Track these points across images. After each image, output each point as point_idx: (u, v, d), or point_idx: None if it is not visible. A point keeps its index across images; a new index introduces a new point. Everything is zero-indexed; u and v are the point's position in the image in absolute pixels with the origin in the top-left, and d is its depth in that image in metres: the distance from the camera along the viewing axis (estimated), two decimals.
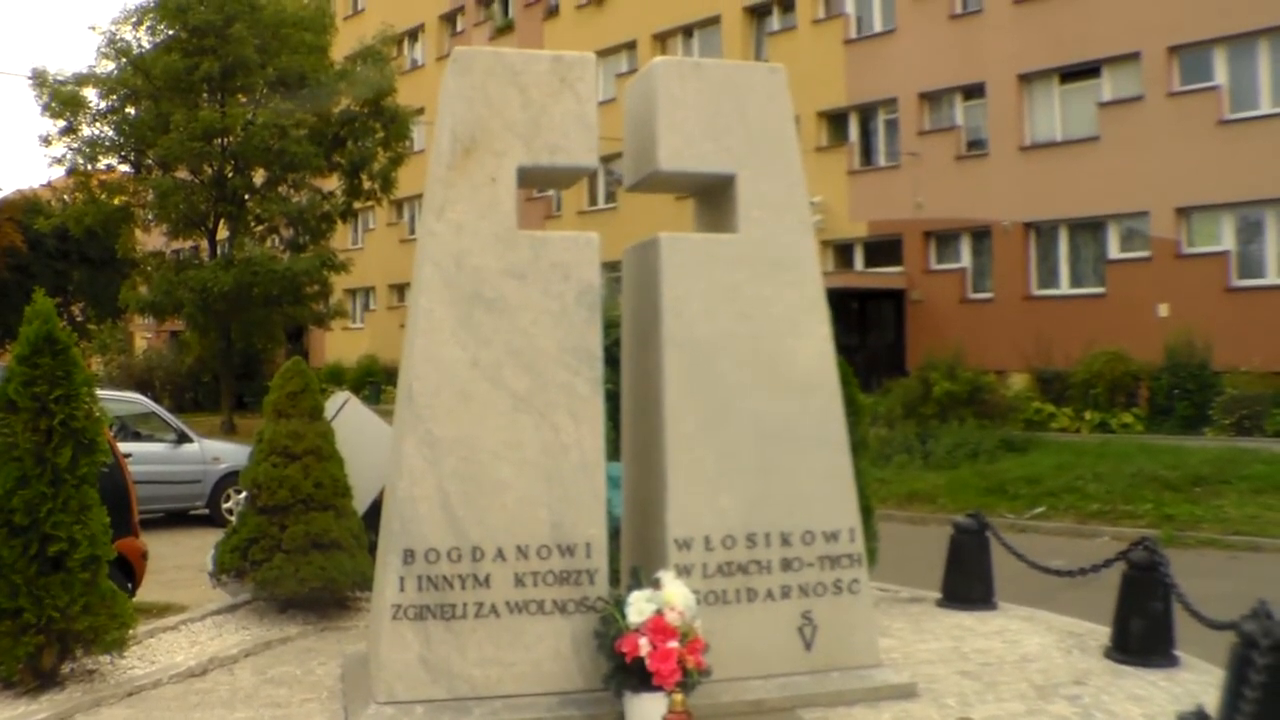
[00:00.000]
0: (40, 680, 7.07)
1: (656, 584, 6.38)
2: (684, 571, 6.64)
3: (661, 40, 39.12)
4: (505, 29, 45.23)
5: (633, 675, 6.16)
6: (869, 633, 7.13)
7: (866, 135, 33.75)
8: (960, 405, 24.26)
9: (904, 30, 31.81)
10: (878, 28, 32.87)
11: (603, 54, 40.06)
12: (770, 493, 6.93)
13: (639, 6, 39.64)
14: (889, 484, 19.11)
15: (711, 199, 7.46)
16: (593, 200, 41.32)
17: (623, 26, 40.06)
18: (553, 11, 43.66)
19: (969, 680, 7.23)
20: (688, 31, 38.72)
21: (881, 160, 33.08)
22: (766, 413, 6.95)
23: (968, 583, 9.40)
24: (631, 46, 39.81)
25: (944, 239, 31.28)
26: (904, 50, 31.63)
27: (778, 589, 6.90)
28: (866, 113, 33.45)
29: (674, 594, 6.30)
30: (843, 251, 33.97)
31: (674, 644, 6.10)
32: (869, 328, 33.29)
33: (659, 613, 6.18)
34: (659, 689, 6.05)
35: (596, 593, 6.61)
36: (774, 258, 7.07)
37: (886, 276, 32.11)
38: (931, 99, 31.52)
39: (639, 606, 6.24)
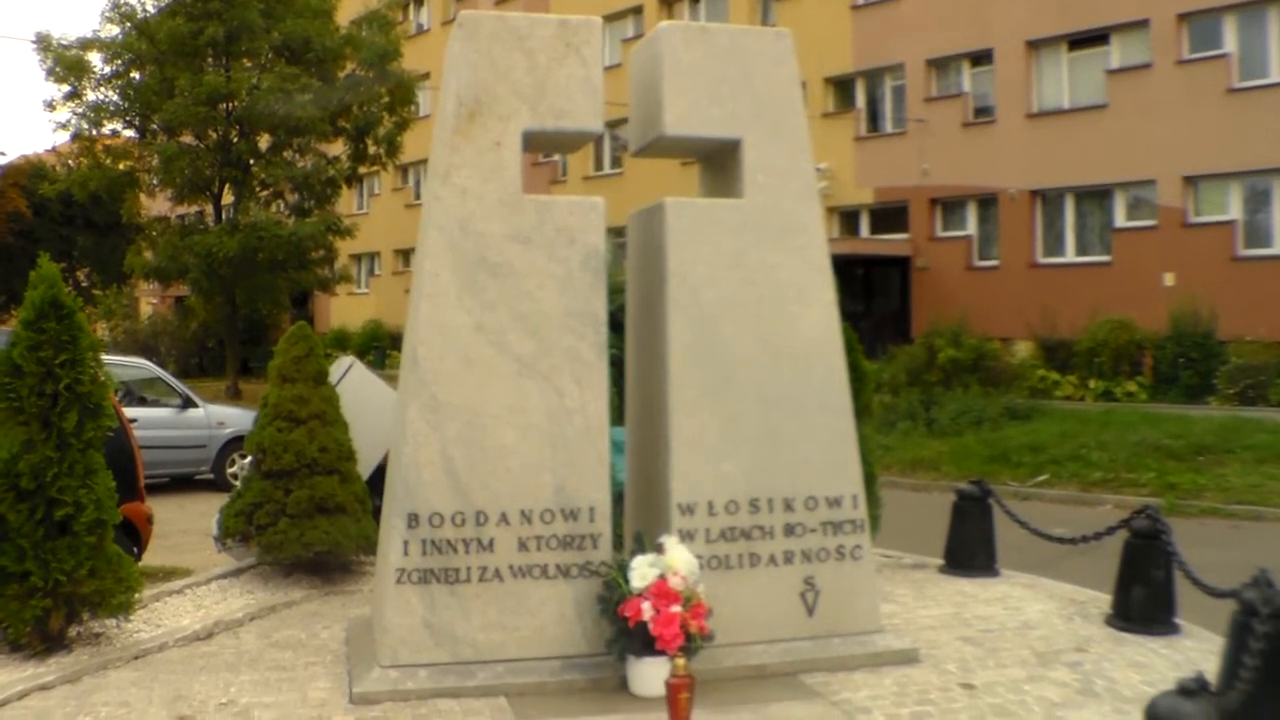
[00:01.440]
0: (48, 643, 7.10)
1: (660, 549, 6.41)
2: (687, 536, 6.67)
3: (668, 5, 38.90)
4: None
5: (635, 639, 6.20)
6: (871, 598, 7.16)
7: (873, 101, 33.61)
8: (965, 372, 24.26)
9: None
10: None
11: (609, 18, 39.84)
12: (773, 458, 6.94)
13: None
14: (893, 451, 19.13)
15: (717, 164, 7.44)
16: (599, 165, 41.22)
17: None
18: None
19: (970, 646, 7.26)
20: None
21: (888, 127, 32.96)
22: (770, 378, 6.96)
23: (970, 549, 9.42)
24: (638, 11, 39.60)
25: (950, 206, 31.20)
26: (911, 16, 31.44)
27: (780, 554, 6.92)
28: (873, 79, 33.30)
29: (677, 559, 6.33)
30: (849, 218, 33.89)
31: (677, 608, 6.13)
32: (874, 294, 33.27)
33: (662, 577, 6.22)
34: (662, 653, 6.08)
35: (600, 557, 6.64)
36: (779, 224, 7.06)
37: (892, 243, 32.04)
38: (939, 65, 31.37)
39: (642, 571, 6.27)
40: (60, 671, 6.74)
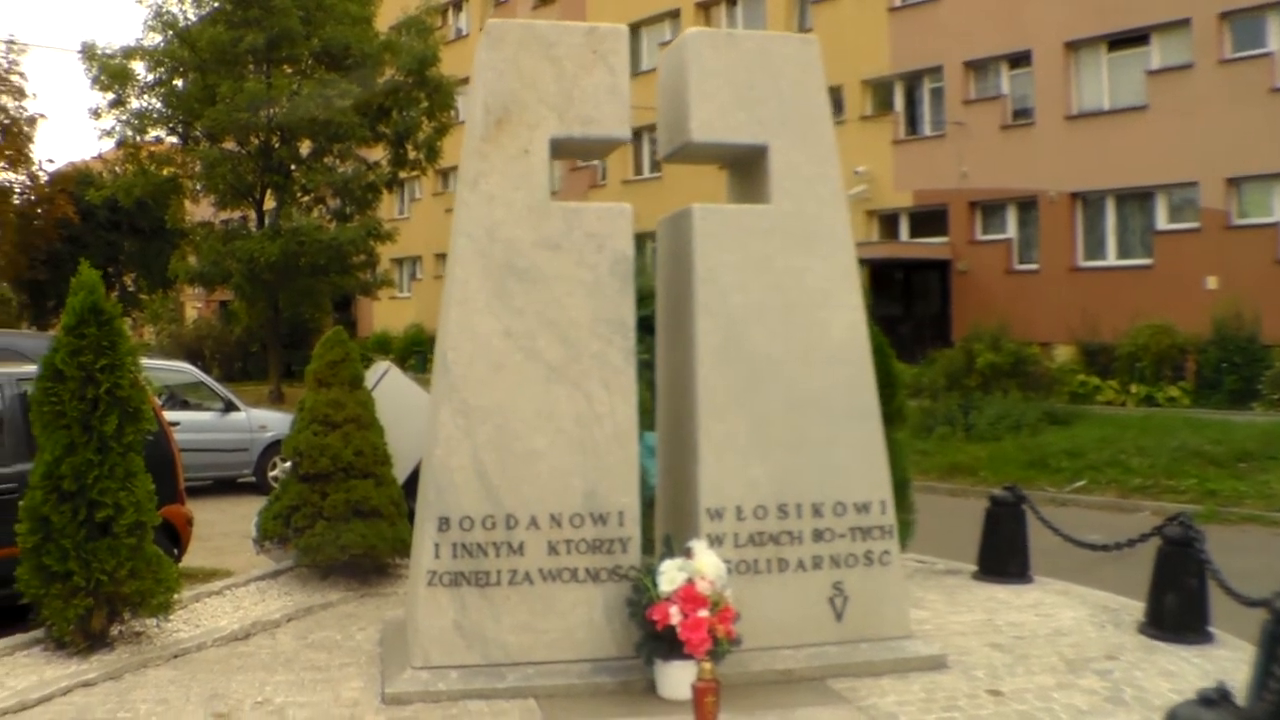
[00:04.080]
0: (90, 641, 7.26)
1: (688, 553, 6.45)
2: (716, 541, 6.70)
3: (705, 9, 38.87)
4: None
5: (663, 643, 6.25)
6: (899, 604, 7.17)
7: (912, 104, 33.47)
8: (1003, 377, 24.14)
9: None
10: None
11: (646, 23, 39.96)
12: (802, 463, 6.96)
13: None
14: (930, 456, 19.08)
15: (744, 170, 7.48)
16: (638, 170, 41.24)
17: None
18: None
19: (1000, 653, 7.26)
20: (731, 0, 38.47)
21: (927, 129, 32.81)
22: (798, 384, 6.98)
23: (1003, 556, 9.40)
24: (675, 15, 39.56)
25: (990, 209, 31.03)
26: (949, 18, 31.30)
27: (809, 559, 6.95)
28: (912, 81, 33.16)
29: (705, 563, 6.37)
30: (888, 221, 33.78)
31: (704, 613, 6.17)
32: (914, 298, 33.12)
33: (690, 582, 6.26)
34: (689, 657, 6.12)
35: (629, 561, 6.69)
36: (806, 229, 7.09)
37: (932, 247, 31.90)
38: (977, 67, 31.19)
39: (670, 575, 6.32)
40: (102, 669, 6.89)
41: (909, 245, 32.77)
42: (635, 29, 40.06)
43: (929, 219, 32.37)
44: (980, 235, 31.16)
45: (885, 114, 33.55)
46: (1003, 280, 30.11)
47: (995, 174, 30.07)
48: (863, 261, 30.73)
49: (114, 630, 7.47)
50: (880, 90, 33.89)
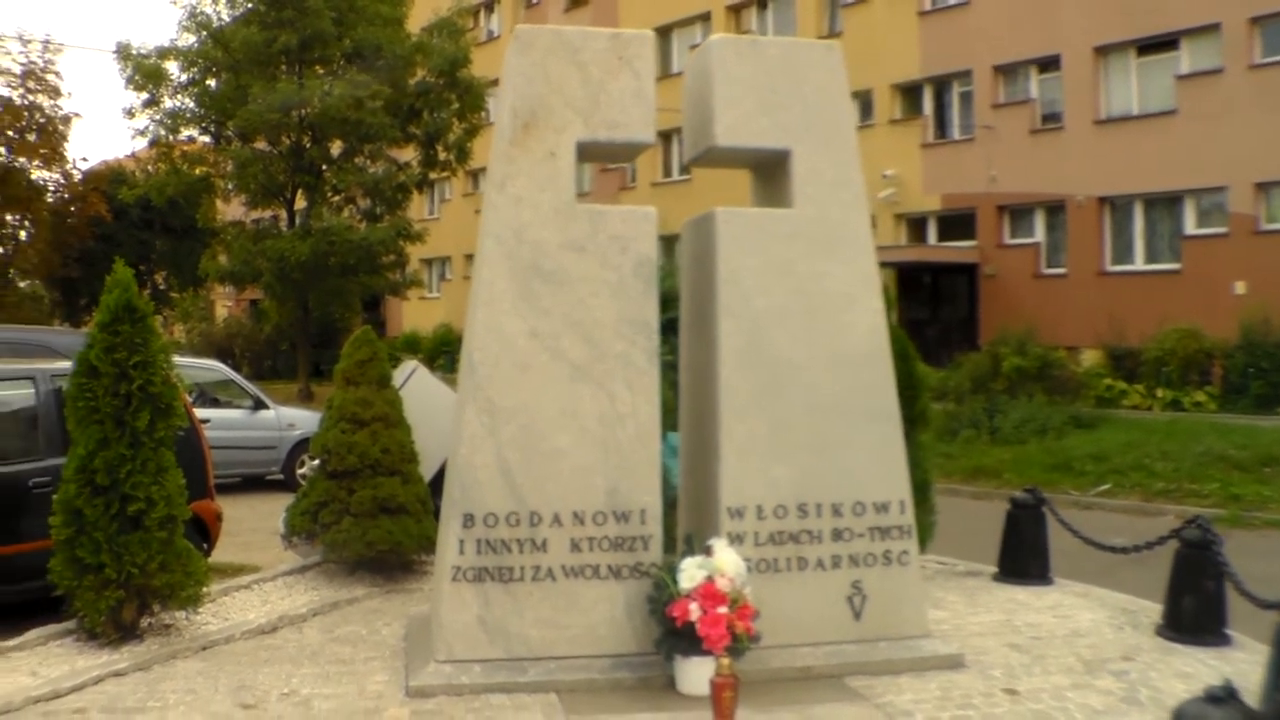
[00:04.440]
0: (121, 633, 7.42)
1: (708, 551, 6.55)
2: (736, 539, 6.81)
3: (735, 11, 38.90)
4: (579, 1, 45.22)
5: (683, 639, 6.35)
6: (918, 604, 7.25)
7: (941, 108, 33.44)
8: (1029, 381, 24.11)
9: (979, 2, 31.42)
10: (952, 0, 32.54)
11: (677, 25, 40.04)
12: (822, 464, 7.06)
13: None
14: (955, 459, 19.08)
15: (768, 174, 7.57)
16: (666, 172, 41.31)
17: None
18: None
19: (1017, 653, 7.32)
20: (761, 3, 38.46)
21: (956, 133, 32.77)
22: (819, 386, 7.07)
23: (1023, 558, 9.46)
24: (705, 18, 39.62)
25: (1018, 213, 30.97)
26: (979, 22, 31.28)
27: (828, 558, 7.04)
28: (941, 85, 33.13)
29: (725, 561, 6.47)
30: (916, 225, 33.76)
31: (723, 609, 6.26)
32: (941, 301, 33.10)
33: (709, 579, 6.36)
34: (708, 653, 6.22)
35: (650, 559, 6.80)
36: (828, 233, 7.19)
37: (960, 250, 31.87)
38: (1006, 71, 31.15)
39: (690, 573, 6.42)
40: (133, 660, 7.05)
41: (937, 249, 32.75)
42: (666, 32, 40.18)
43: (957, 223, 32.34)
44: (1008, 239, 31.12)
45: (914, 117, 33.54)
46: (1030, 284, 30.06)
47: (1023, 178, 30.02)
48: (891, 265, 30.84)
49: (144, 622, 7.63)
50: (909, 94, 33.87)
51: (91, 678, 6.73)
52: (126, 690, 6.60)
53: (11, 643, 7.42)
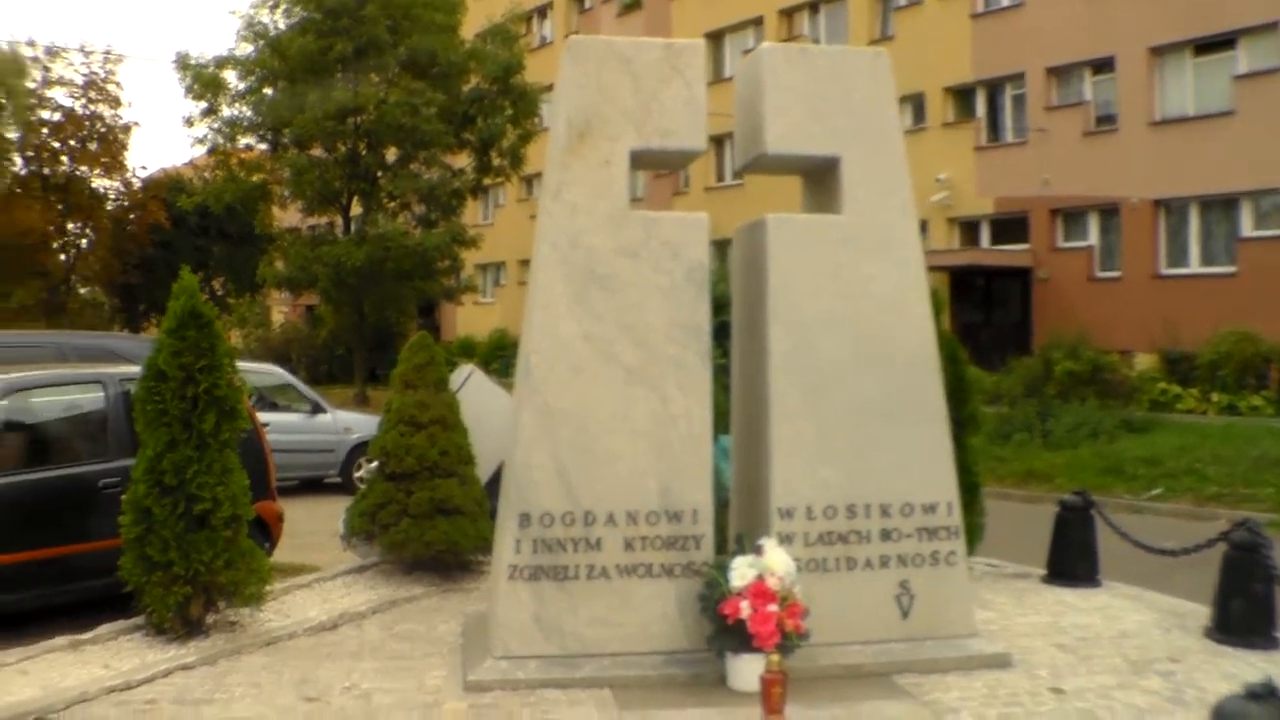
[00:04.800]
0: (188, 628, 7.66)
1: (759, 550, 6.68)
2: (786, 539, 6.93)
3: (787, 16, 38.92)
4: (632, 6, 45.31)
5: (734, 636, 6.48)
6: (965, 603, 7.34)
7: (994, 111, 33.31)
8: (1082, 385, 24.02)
9: (1032, 4, 31.29)
10: (1005, 2, 32.42)
11: (729, 30, 40.10)
12: (870, 465, 7.17)
13: None
14: (1007, 462, 19.08)
15: (817, 180, 7.70)
16: (719, 177, 41.39)
17: (748, 3, 39.83)
18: None
19: (1064, 653, 7.40)
20: (813, 7, 38.46)
21: (1009, 136, 32.63)
22: (867, 389, 7.19)
23: (1072, 560, 9.51)
24: (758, 23, 39.66)
25: (1071, 216, 30.81)
26: (1032, 24, 31.14)
27: (876, 558, 7.15)
28: (994, 88, 33.01)
29: (775, 560, 6.60)
30: (969, 228, 33.65)
31: (773, 607, 6.40)
32: (994, 305, 32.99)
33: (760, 578, 6.49)
34: (758, 650, 6.35)
35: (702, 558, 6.94)
36: (877, 239, 7.30)
37: (1013, 254, 31.74)
38: (1060, 74, 31.00)
39: (741, 571, 6.56)
40: (199, 654, 7.29)
41: (990, 252, 32.62)
42: (718, 36, 40.29)
43: (1010, 226, 32.21)
44: (1062, 242, 30.96)
45: (967, 121, 33.44)
46: (1084, 288, 29.89)
47: (1077, 181, 29.85)
48: (943, 268, 30.80)
49: (210, 618, 7.86)
50: (962, 97, 33.78)
51: (161, 670, 6.98)
52: (194, 683, 6.84)
53: (85, 636, 7.67)
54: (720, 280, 7.85)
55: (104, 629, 7.83)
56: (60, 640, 7.57)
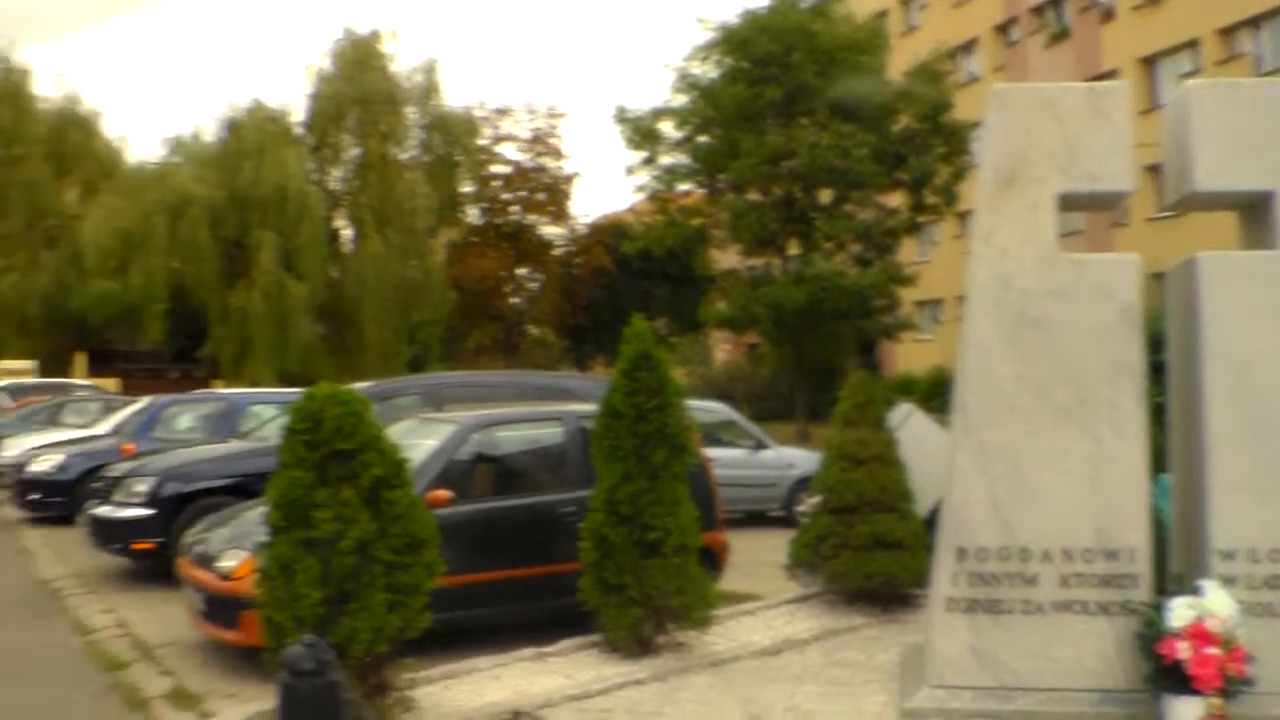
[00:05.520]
0: (640, 647, 8.38)
1: (1197, 591, 6.60)
2: (1228, 582, 6.77)
3: (1226, 35, 36.53)
4: (1060, 36, 44.04)
5: (1172, 677, 6.42)
6: None
7: None
8: None
9: None
10: None
11: (1162, 54, 38.21)
12: None
13: (1199, 1, 37.18)
14: None
15: (1252, 215, 7.51)
16: (1160, 207, 39.45)
17: (1183, 24, 37.80)
18: (1108, 14, 41.90)
19: None
20: (1255, 23, 36.07)
21: None
22: None
23: None
24: (1192, 45, 37.57)
25: None
26: None
27: None
28: None
29: (1216, 602, 6.49)
30: None
31: (1214, 650, 6.31)
32: None
33: (1199, 619, 6.41)
34: (1198, 692, 6.29)
35: (1139, 596, 6.91)
36: None
37: None
38: None
39: (1179, 612, 6.49)
40: (651, 671, 7.97)
41: None
42: (1151, 61, 38.58)
43: None
44: None
45: None
46: None
47: None
48: None
49: (660, 638, 8.53)
50: None
51: (615, 684, 7.69)
52: (646, 697, 7.49)
53: (549, 649, 8.55)
54: (1156, 318, 7.78)
55: (565, 643, 8.67)
56: (527, 651, 8.48)
